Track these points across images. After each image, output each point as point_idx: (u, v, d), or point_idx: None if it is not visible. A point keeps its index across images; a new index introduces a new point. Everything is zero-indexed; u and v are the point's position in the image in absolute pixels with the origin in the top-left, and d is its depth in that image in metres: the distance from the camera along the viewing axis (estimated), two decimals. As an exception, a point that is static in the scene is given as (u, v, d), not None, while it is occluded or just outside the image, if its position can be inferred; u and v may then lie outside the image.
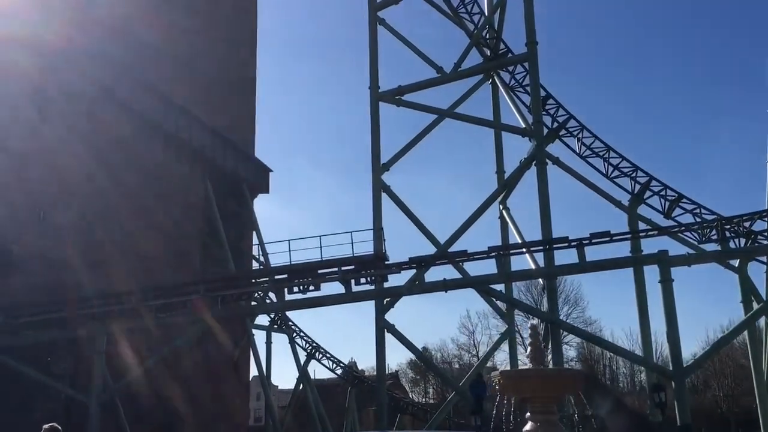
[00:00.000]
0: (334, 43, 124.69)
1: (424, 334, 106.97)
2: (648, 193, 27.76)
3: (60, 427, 8.84)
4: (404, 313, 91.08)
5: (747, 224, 25.18)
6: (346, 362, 43.07)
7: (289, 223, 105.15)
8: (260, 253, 41.61)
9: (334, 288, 26.09)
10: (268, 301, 32.97)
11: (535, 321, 13.19)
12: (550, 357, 25.43)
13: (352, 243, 23.92)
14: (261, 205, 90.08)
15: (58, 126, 32.52)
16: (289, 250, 27.54)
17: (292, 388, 41.69)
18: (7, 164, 33.08)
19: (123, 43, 34.60)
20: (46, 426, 8.88)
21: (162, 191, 36.05)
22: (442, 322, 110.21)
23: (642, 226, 27.42)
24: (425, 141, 30.29)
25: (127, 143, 33.84)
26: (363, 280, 24.28)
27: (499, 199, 31.61)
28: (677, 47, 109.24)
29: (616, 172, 28.16)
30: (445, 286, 24.21)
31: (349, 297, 24.35)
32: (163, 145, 36.56)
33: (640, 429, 26.39)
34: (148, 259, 34.09)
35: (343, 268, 23.85)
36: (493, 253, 23.99)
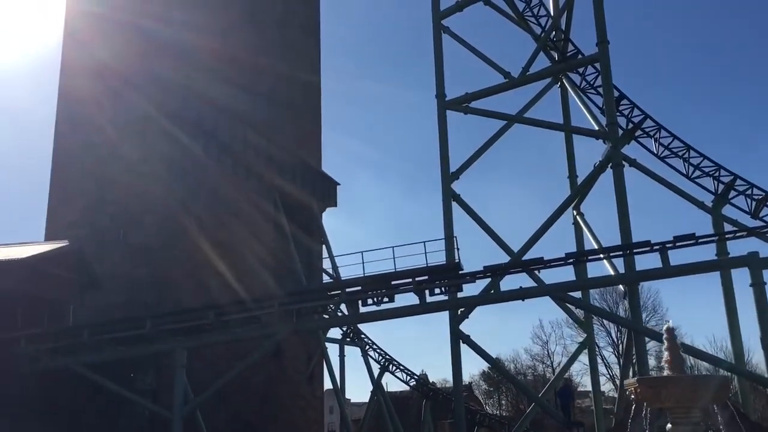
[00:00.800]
0: (397, 53, 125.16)
1: (496, 344, 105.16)
2: (733, 193, 26.60)
3: None
4: (476, 324, 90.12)
5: None
6: (418, 374, 42.63)
7: (355, 235, 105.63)
8: (331, 266, 42.21)
9: (407, 299, 25.95)
10: (339, 314, 33.05)
11: (671, 323, 12.22)
12: (634, 368, 24.53)
13: (425, 253, 23.67)
14: (329, 219, 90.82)
15: (136, 149, 33.63)
16: (363, 262, 27.60)
17: (366, 401, 41.63)
18: (92, 187, 34.45)
19: (190, 67, 35.54)
20: None
21: (234, 209, 36.72)
22: (513, 333, 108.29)
23: (727, 227, 26.23)
24: (493, 147, 29.89)
25: (197, 163, 34.61)
26: (437, 290, 23.93)
27: (573, 204, 30.89)
28: (756, 37, 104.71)
29: (698, 172, 27.07)
30: (522, 294, 23.62)
31: (423, 308, 24.01)
32: (232, 163, 37.22)
33: None
34: (221, 275, 34.75)
35: (417, 279, 23.56)
36: (571, 260, 23.28)
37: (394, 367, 37.94)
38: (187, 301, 30.32)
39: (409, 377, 38.07)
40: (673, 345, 11.09)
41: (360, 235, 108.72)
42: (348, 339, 38.35)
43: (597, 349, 32.42)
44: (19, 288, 24.82)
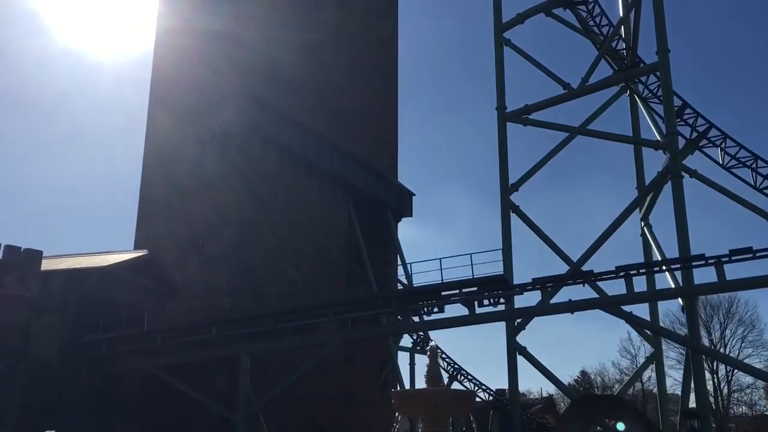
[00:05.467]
0: (465, 64, 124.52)
1: (583, 356, 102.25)
2: (804, 204, 25.27)
3: None
4: (559, 335, 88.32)
5: None
6: (489, 385, 42.44)
7: (434, 244, 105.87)
8: (405, 274, 42.95)
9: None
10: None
11: (434, 343, 13.85)
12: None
13: (471, 265, 23.98)
14: (406, 229, 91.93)
15: (215, 162, 35.57)
16: (441, 268, 28.16)
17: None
18: (174, 199, 36.71)
19: (269, 81, 37.25)
20: None
21: (307, 219, 38.12)
22: (603, 345, 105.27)
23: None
24: (561, 159, 29.75)
25: (273, 175, 36.23)
26: (486, 301, 24.16)
27: (641, 215, 30.24)
28: None
29: (767, 183, 25.90)
30: (571, 307, 23.48)
31: (472, 319, 24.30)
32: (306, 174, 38.58)
33: None
34: (295, 283, 36.24)
35: (464, 290, 23.91)
36: (622, 273, 22.93)
37: (462, 377, 38.13)
38: (262, 309, 31.81)
39: (477, 387, 38.12)
40: (434, 362, 12.33)
41: (440, 245, 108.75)
42: (418, 348, 38.85)
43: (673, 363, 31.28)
44: (100, 294, 27.00)
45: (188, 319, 30.38)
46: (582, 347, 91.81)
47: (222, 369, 30.45)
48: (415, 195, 48.12)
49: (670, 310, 56.87)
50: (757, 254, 21.53)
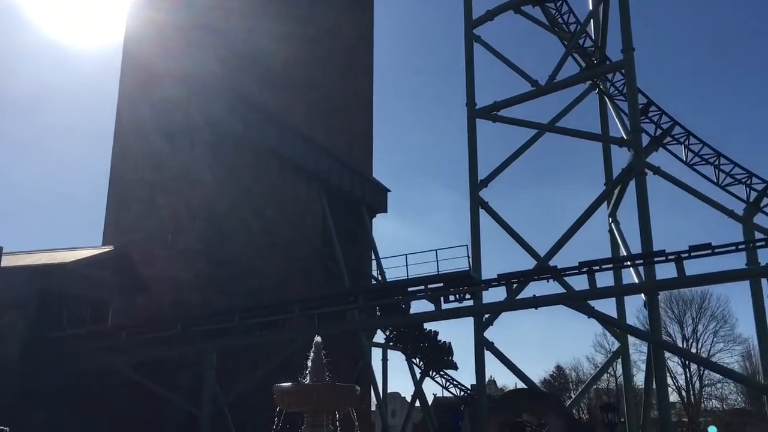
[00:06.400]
0: (441, 60, 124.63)
1: (561, 352, 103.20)
2: (766, 201, 25.58)
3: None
4: (537, 331, 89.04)
5: None
6: (462, 381, 42.54)
7: (414, 240, 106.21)
8: (379, 271, 43.02)
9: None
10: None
11: (318, 338, 14.11)
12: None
13: (437, 261, 24.10)
14: (385, 225, 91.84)
15: (186, 156, 35.29)
16: (406, 264, 28.01)
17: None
18: (143, 194, 36.42)
19: (243, 74, 37.03)
20: None
21: (280, 214, 37.98)
22: (580, 341, 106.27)
23: (760, 236, 25.29)
24: (534, 155, 29.92)
25: (246, 169, 36.05)
26: (452, 297, 24.25)
27: (608, 211, 30.48)
28: None
29: (729, 180, 26.20)
30: (536, 303, 23.65)
31: (439, 314, 24.42)
32: (280, 168, 38.41)
33: None
34: (266, 278, 36.11)
35: (430, 286, 23.99)
36: (585, 269, 23.12)
37: (434, 372, 38.24)
38: (229, 305, 31.68)
39: (448, 382, 38.26)
40: (317, 356, 12.58)
41: (417, 240, 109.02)
42: (391, 344, 38.91)
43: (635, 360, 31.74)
44: (64, 290, 26.76)
45: (157, 315, 30.23)
46: (560, 343, 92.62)
47: (189, 365, 30.29)
48: (390, 191, 48.22)
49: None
50: (716, 250, 21.80)
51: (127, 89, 39.25)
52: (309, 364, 12.66)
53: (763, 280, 23.05)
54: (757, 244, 23.98)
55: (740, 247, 22.22)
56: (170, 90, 36.21)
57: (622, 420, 30.91)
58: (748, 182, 25.82)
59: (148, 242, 34.59)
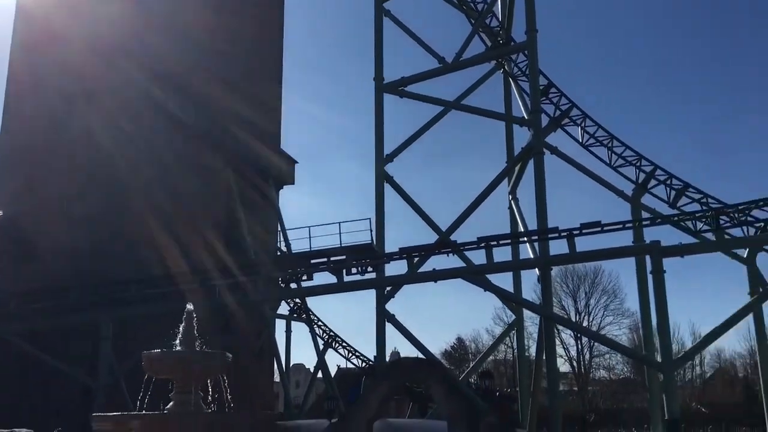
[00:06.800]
0: (349, 35, 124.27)
1: (463, 324, 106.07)
2: (653, 182, 27.09)
3: None
4: (442, 304, 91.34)
5: (755, 213, 24.36)
6: (365, 352, 43.19)
7: (319, 213, 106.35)
8: (284, 242, 42.78)
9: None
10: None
11: (191, 306, 14.65)
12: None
13: (339, 233, 24.28)
14: (295, 197, 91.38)
15: (83, 119, 33.88)
16: (309, 237, 28.08)
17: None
18: (38, 159, 34.77)
19: (145, 37, 35.67)
20: None
21: (183, 183, 37.03)
22: (482, 313, 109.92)
23: (646, 215, 26.81)
24: (443, 132, 30.42)
25: (147, 136, 34.94)
26: (355, 270, 24.55)
27: (509, 189, 31.44)
28: (685, 29, 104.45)
29: (620, 161, 27.57)
30: (435, 276, 24.29)
31: (341, 286, 24.69)
32: (184, 136, 37.40)
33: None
34: (167, 248, 35.24)
35: (332, 258, 24.18)
36: (483, 244, 23.91)
37: (337, 344, 38.66)
38: (127, 274, 30.85)
39: (350, 353, 38.79)
40: (189, 325, 13.03)
41: (328, 213, 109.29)
42: (295, 315, 39.00)
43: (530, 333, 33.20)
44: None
45: (50, 284, 29.13)
46: (462, 316, 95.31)
47: (86, 336, 29.41)
48: (297, 162, 47.85)
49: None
50: (605, 228, 23.01)
51: (21, 48, 37.26)
52: (180, 331, 12.73)
53: (647, 257, 24.29)
54: (644, 223, 25.56)
55: (627, 225, 23.57)
56: (70, 51, 34.62)
57: (517, 389, 32.34)
58: (638, 164, 27.22)
59: (43, 208, 33.22)
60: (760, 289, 24.70)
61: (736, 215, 23.41)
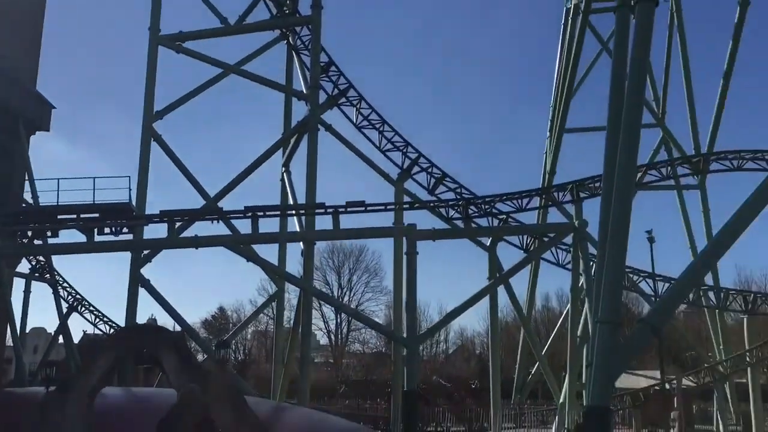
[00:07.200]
0: None
1: (230, 293, 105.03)
2: (416, 169, 28.56)
3: None
4: (206, 270, 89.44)
5: (498, 206, 26.80)
6: (117, 319, 40.80)
7: (80, 166, 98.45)
8: (32, 193, 38.72)
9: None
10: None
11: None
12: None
13: (93, 189, 22.47)
14: (46, 144, 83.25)
15: None
16: (57, 189, 25.44)
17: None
18: None
19: None
20: None
21: None
22: (247, 282, 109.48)
23: (407, 199, 28.28)
24: (222, 96, 29.34)
25: None
26: (107, 230, 22.91)
27: (283, 161, 31.34)
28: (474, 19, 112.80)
29: (389, 146, 28.71)
30: (197, 242, 23.55)
31: (92, 246, 22.94)
32: None
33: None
34: None
35: (83, 216, 22.34)
36: (249, 213, 23.60)
37: (83, 308, 36.00)
38: None
39: (97, 318, 36.33)
40: None
41: (91, 165, 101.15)
42: (36, 275, 35.52)
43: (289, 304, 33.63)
44: None
45: None
46: (227, 285, 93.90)
47: None
48: (55, 108, 43.39)
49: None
50: (368, 208, 23.91)
51: None
52: None
53: (405, 238, 25.67)
54: (404, 206, 26.94)
55: (390, 207, 24.71)
56: None
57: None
58: (405, 150, 28.55)
59: None
60: (497, 275, 27.36)
61: (483, 206, 25.53)
